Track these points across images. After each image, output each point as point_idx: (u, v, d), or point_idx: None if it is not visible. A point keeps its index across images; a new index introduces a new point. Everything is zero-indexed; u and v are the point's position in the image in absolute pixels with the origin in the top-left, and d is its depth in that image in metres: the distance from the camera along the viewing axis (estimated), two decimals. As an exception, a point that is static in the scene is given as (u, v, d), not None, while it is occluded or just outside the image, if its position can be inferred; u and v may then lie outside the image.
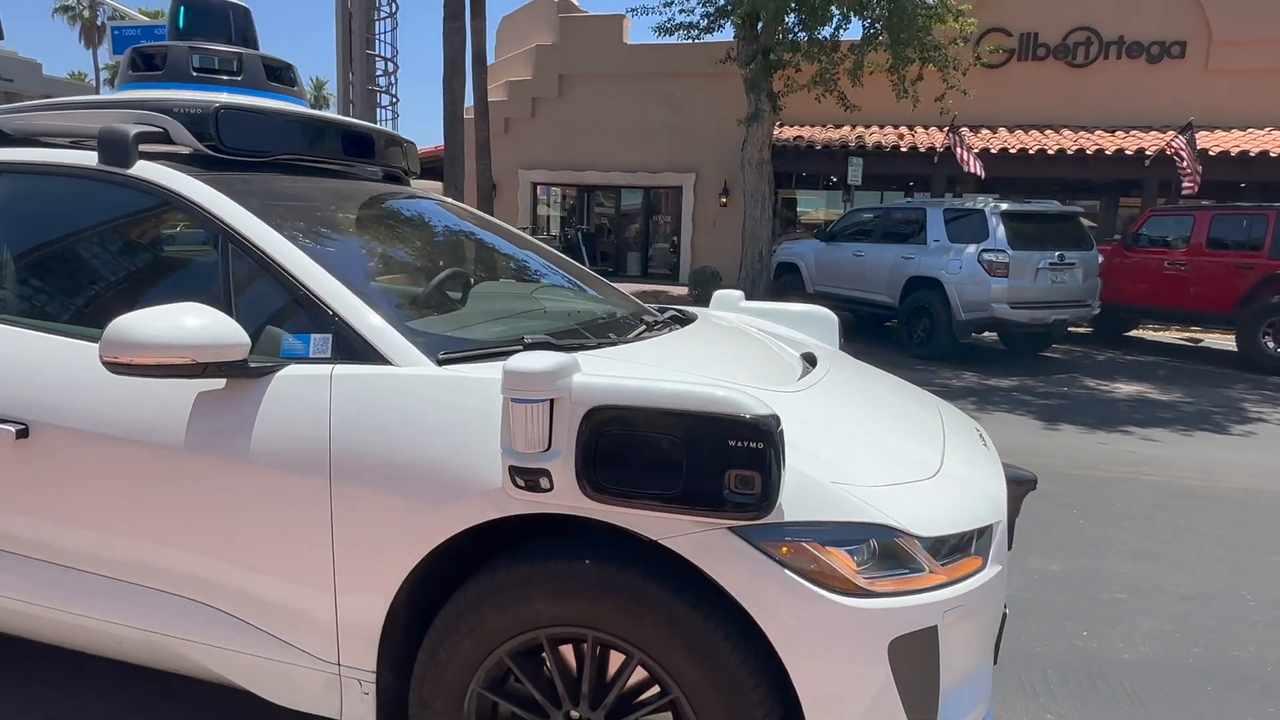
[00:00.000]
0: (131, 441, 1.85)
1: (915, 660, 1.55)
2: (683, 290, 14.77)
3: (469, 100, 16.39)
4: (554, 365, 1.49)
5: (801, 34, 12.89)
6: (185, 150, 2.24)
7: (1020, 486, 2.18)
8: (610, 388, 1.48)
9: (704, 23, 13.37)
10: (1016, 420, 6.75)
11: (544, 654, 1.66)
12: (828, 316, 3.18)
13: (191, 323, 1.69)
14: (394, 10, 15.25)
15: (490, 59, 20.95)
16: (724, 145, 17.17)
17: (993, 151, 14.84)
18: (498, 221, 3.32)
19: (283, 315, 1.90)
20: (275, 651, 1.83)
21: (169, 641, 1.91)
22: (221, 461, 1.78)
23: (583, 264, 13.33)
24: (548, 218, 21.64)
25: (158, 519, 1.86)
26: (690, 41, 14.14)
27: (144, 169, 2.10)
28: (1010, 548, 2.22)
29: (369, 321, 1.82)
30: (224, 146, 2.23)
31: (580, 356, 1.91)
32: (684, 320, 2.80)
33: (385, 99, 15.47)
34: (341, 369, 1.77)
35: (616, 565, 1.57)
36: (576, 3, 19.30)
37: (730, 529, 1.50)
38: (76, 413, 1.90)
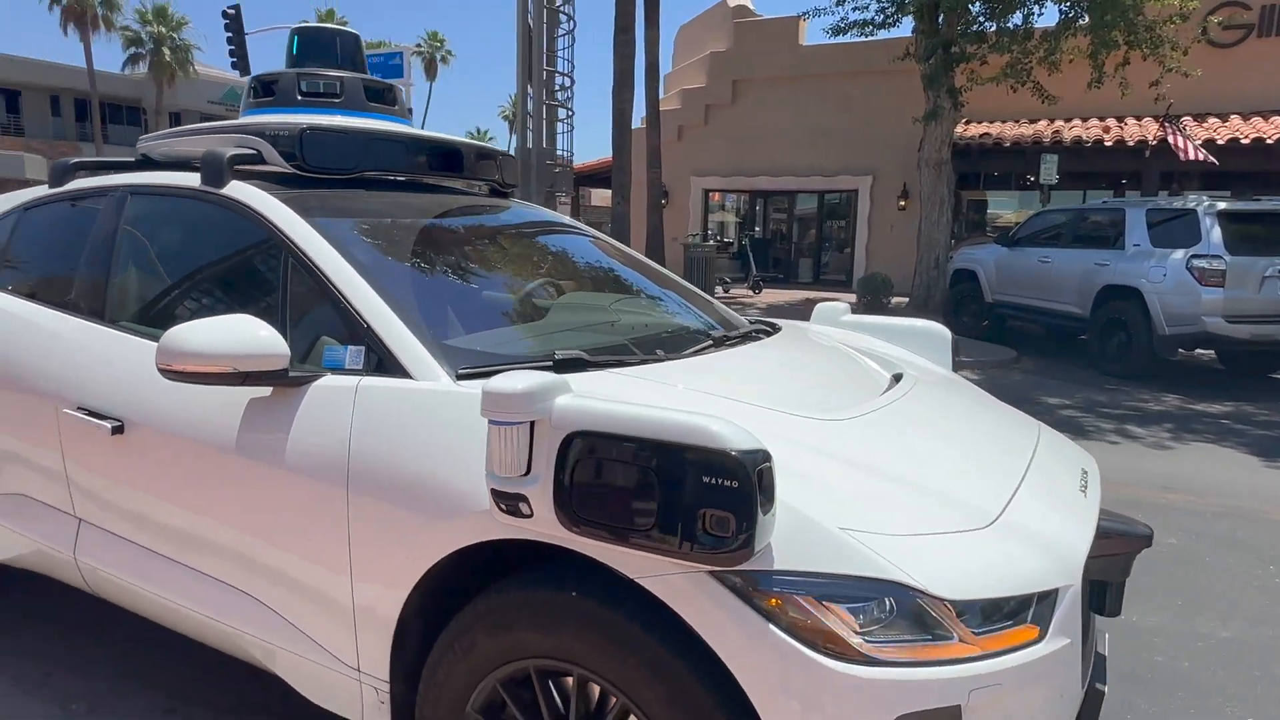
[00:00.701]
0: (197, 442, 1.99)
1: (929, 743, 1.32)
2: (852, 298, 14.15)
3: (641, 110, 16.71)
4: (533, 386, 1.42)
5: (988, 23, 11.97)
6: (283, 170, 2.40)
7: (1129, 543, 1.84)
8: (592, 412, 1.39)
9: (879, 19, 12.77)
10: (1223, 453, 5.83)
11: (535, 686, 1.60)
12: (940, 333, 2.87)
13: (234, 333, 1.79)
14: (572, 28, 15.84)
15: (668, 68, 21.30)
16: (903, 146, 16.29)
17: (1219, 142, 13.03)
18: (591, 230, 3.29)
19: (330, 326, 1.97)
20: (310, 652, 1.89)
21: (221, 625, 2.04)
22: (260, 465, 1.87)
23: (750, 271, 13.21)
24: (723, 224, 21.63)
25: (214, 515, 1.99)
26: (866, 39, 13.55)
27: (234, 188, 2.27)
28: (1118, 613, 1.89)
29: (395, 334, 1.84)
30: (308, 165, 2.36)
31: (602, 374, 1.84)
32: (765, 334, 2.64)
33: (562, 112, 16.10)
34: (367, 381, 1.81)
35: (601, 602, 1.47)
36: (752, 7, 19.10)
37: (711, 573, 1.35)
38: (159, 413, 2.07)
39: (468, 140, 2.92)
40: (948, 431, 2.02)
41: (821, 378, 2.29)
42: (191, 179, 2.40)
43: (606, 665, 1.46)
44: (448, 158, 2.80)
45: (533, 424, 1.43)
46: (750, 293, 16.98)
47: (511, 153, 3.23)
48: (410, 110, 22.20)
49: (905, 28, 13.02)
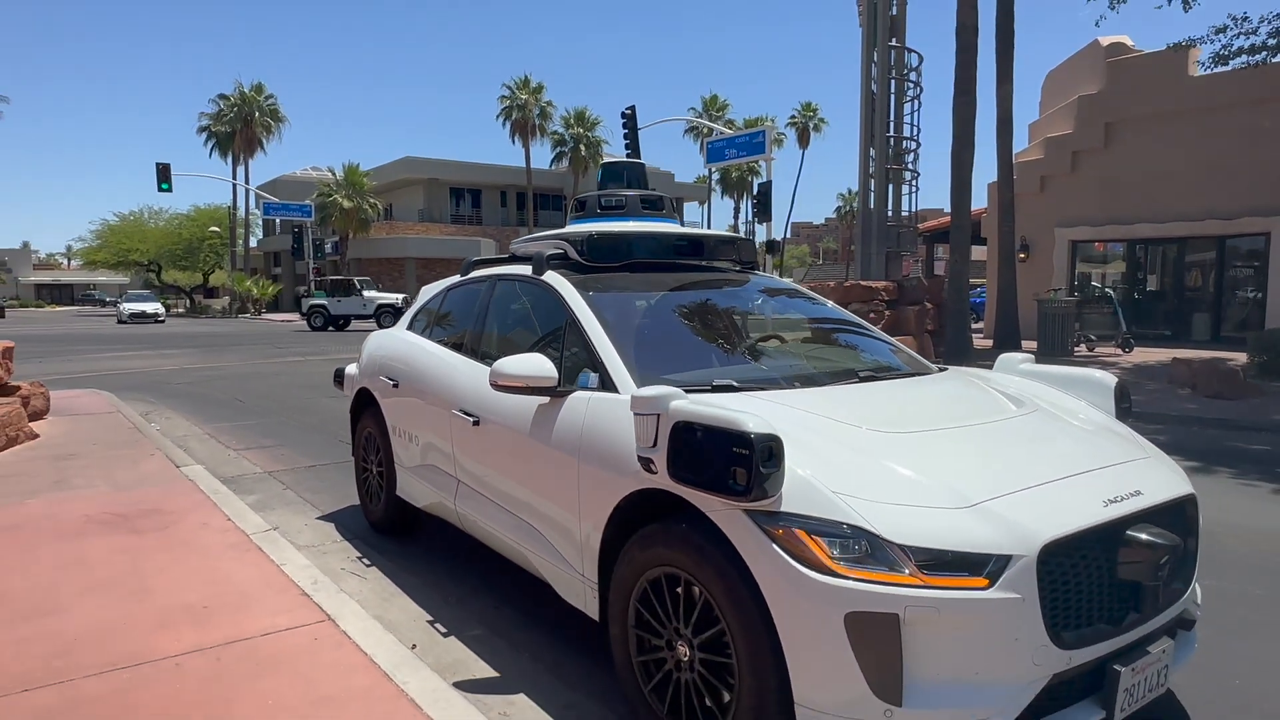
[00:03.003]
0: (513, 430, 3.28)
1: (873, 638, 1.98)
2: (1244, 358, 12.20)
3: (991, 165, 16.33)
4: (657, 394, 2.38)
5: None
6: (580, 262, 3.67)
7: (1150, 551, 2.19)
8: (686, 409, 2.30)
9: (1274, 41, 11.23)
10: None
11: (664, 585, 2.51)
12: (1102, 381, 3.18)
13: (530, 364, 3.02)
14: (919, 93, 16.21)
15: (1031, 117, 20.37)
16: (1329, 178, 13.71)
17: None
18: (815, 294, 4.11)
19: (584, 362, 3.13)
20: (560, 564, 3.02)
21: (521, 549, 3.27)
22: (539, 444, 3.07)
23: (1119, 327, 12.38)
24: (1104, 277, 19.77)
25: (517, 473, 3.25)
26: (1258, 64, 11.90)
27: (548, 275, 3.59)
28: (1156, 613, 2.28)
29: (614, 367, 2.93)
30: (591, 260, 3.60)
31: (740, 395, 2.73)
32: (922, 375, 3.26)
33: (906, 174, 16.43)
34: (596, 395, 2.92)
35: (693, 528, 2.35)
36: (1130, 43, 17.57)
37: (744, 511, 2.17)
38: (494, 412, 3.42)
39: (708, 232, 3.98)
40: (1014, 448, 2.52)
41: (927, 406, 2.86)
42: (527, 269, 3.79)
43: (695, 569, 2.33)
44: (694, 246, 3.88)
45: (658, 416, 2.39)
46: (1120, 351, 15.39)
47: (747, 236, 4.15)
48: (770, 182, 23.97)
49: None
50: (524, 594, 3.87)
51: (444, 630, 3.50)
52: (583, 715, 2.81)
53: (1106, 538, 2.21)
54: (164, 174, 34.61)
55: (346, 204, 42.07)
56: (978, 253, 28.38)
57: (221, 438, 8.15)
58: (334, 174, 44.52)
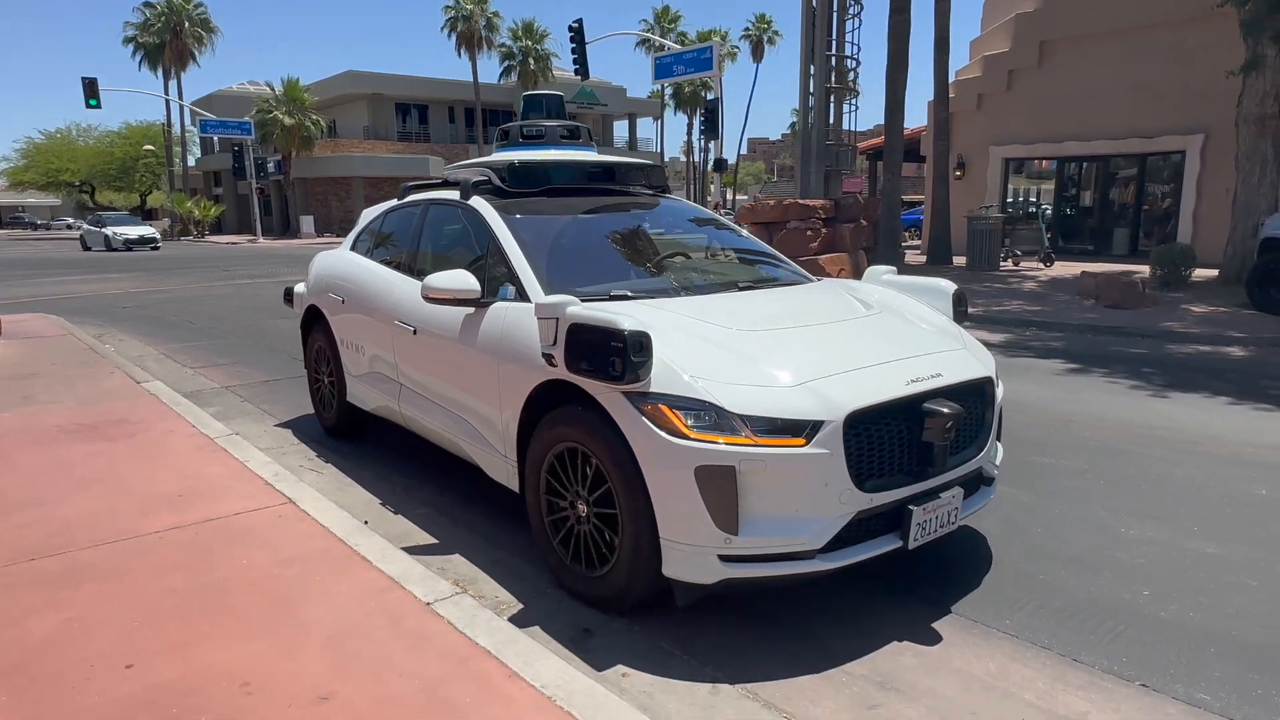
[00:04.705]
0: (445, 338, 3.77)
1: (716, 485, 2.57)
2: (1146, 270, 13.08)
3: (929, 84, 16.63)
4: (556, 301, 2.89)
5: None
6: (502, 188, 4.10)
7: (939, 419, 2.80)
8: (577, 313, 2.82)
9: (1190, -36, 11.67)
10: None
11: (566, 458, 3.08)
12: (943, 288, 3.78)
13: (456, 279, 3.49)
14: (859, 10, 16.38)
15: (974, 34, 20.64)
16: (1239, 98, 14.37)
17: None
18: (718, 215, 4.61)
19: (504, 277, 3.62)
20: (488, 450, 3.58)
21: (456, 440, 3.82)
22: (466, 349, 3.58)
23: (1042, 243, 13.15)
24: (1039, 194, 20.51)
25: (450, 375, 3.77)
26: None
27: (474, 200, 4.03)
28: (944, 469, 2.89)
29: (527, 279, 3.43)
30: (512, 186, 4.04)
31: (634, 303, 3.25)
32: (794, 284, 3.82)
33: (847, 93, 16.74)
34: (513, 305, 3.42)
35: (587, 409, 2.91)
36: (1067, -40, 17.82)
37: (622, 392, 2.73)
38: (429, 322, 3.90)
39: (620, 159, 4.43)
40: (849, 342, 3.10)
41: (788, 310, 3.43)
42: (455, 194, 4.22)
43: (588, 441, 2.90)
44: (606, 173, 4.33)
45: (557, 320, 2.90)
46: (1041, 265, 16.25)
47: (658, 162, 4.58)
48: (717, 99, 23.94)
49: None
50: (464, 483, 4.44)
51: (393, 510, 4.07)
52: (508, 567, 3.42)
53: (906, 409, 2.82)
54: (91, 89, 33.11)
55: (288, 120, 40.77)
56: (922, 170, 28.90)
57: (177, 357, 8.48)
58: (273, 89, 42.92)
